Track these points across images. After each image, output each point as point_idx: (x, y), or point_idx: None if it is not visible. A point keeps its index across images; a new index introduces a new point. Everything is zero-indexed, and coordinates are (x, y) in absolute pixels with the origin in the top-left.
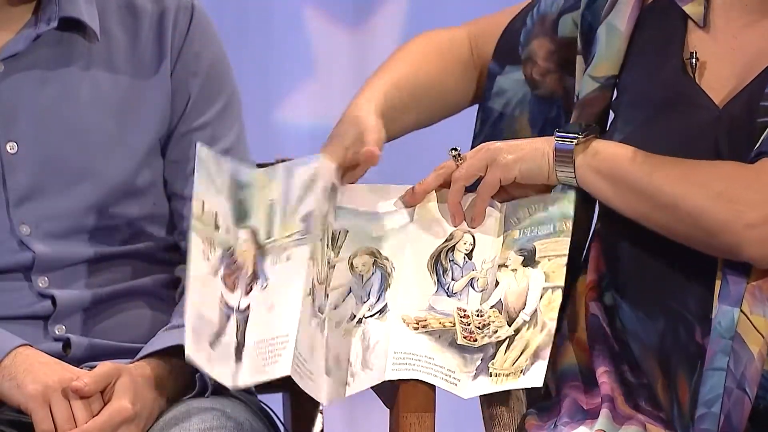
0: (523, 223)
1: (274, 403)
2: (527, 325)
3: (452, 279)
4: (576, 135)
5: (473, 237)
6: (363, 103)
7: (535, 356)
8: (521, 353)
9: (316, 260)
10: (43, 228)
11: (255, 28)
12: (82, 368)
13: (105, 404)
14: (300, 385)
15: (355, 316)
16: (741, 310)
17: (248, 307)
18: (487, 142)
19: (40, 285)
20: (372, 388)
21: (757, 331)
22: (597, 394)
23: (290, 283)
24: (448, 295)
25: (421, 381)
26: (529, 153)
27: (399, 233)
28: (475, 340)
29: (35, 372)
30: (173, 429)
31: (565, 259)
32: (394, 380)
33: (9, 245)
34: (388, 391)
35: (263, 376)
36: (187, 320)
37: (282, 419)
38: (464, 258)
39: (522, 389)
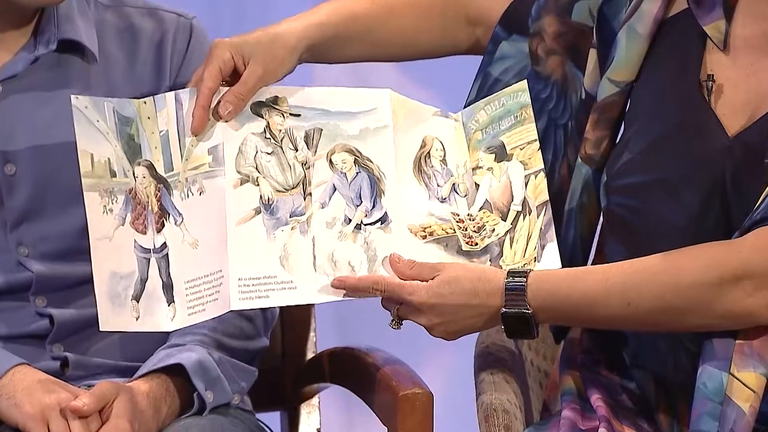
0: (483, 123)
1: (272, 421)
2: (521, 215)
3: (437, 185)
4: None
5: (442, 143)
6: (293, 28)
7: (543, 239)
8: (527, 242)
9: (271, 173)
10: (40, 248)
11: None
12: (80, 387)
13: (103, 423)
14: (265, 305)
15: (350, 221)
16: (729, 373)
17: (164, 245)
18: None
19: (39, 304)
20: (369, 405)
21: (747, 387)
22: (594, 417)
23: (210, 217)
24: (440, 201)
25: (419, 394)
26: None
27: (377, 135)
28: (476, 244)
29: (33, 391)
30: None
31: (537, 144)
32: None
33: (7, 266)
34: (386, 410)
35: (202, 315)
36: (97, 288)
37: None
38: (441, 164)
39: (520, 408)
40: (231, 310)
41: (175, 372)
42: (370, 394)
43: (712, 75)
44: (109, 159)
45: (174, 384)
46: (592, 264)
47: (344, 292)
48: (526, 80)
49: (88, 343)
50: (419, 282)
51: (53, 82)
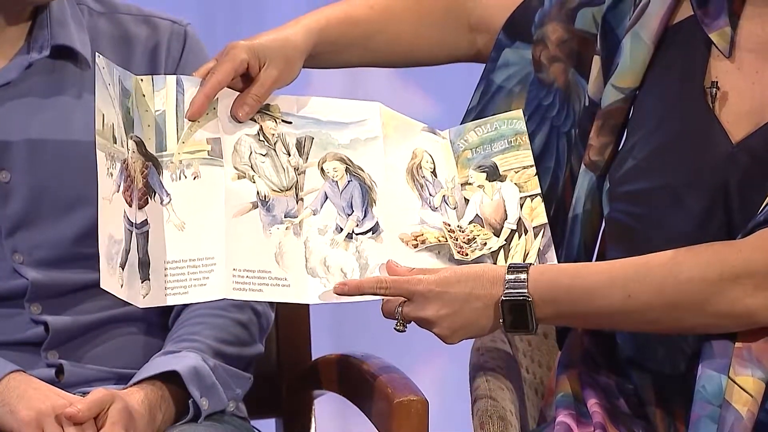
0: (473, 143)
1: (268, 428)
2: (516, 233)
3: (429, 194)
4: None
5: (431, 156)
6: (297, 32)
7: (542, 259)
8: (524, 259)
9: (265, 173)
10: (36, 255)
11: None
12: (75, 394)
13: (98, 430)
14: (257, 299)
15: (342, 230)
16: (728, 376)
17: (145, 222)
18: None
19: (33, 312)
20: (364, 412)
21: (745, 391)
22: (590, 423)
23: (203, 203)
24: (432, 210)
25: (414, 401)
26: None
27: (367, 145)
28: (467, 255)
29: (28, 398)
30: None
31: (533, 170)
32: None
33: (2, 273)
34: (382, 417)
35: (183, 298)
36: (100, 246)
37: None
38: (431, 175)
39: (515, 415)
40: (224, 299)
41: (171, 379)
42: (366, 401)
43: (717, 82)
44: (113, 124)
45: (169, 391)
46: None
47: (337, 295)
48: (521, 109)
49: (83, 350)
50: (424, 275)
51: (47, 89)
